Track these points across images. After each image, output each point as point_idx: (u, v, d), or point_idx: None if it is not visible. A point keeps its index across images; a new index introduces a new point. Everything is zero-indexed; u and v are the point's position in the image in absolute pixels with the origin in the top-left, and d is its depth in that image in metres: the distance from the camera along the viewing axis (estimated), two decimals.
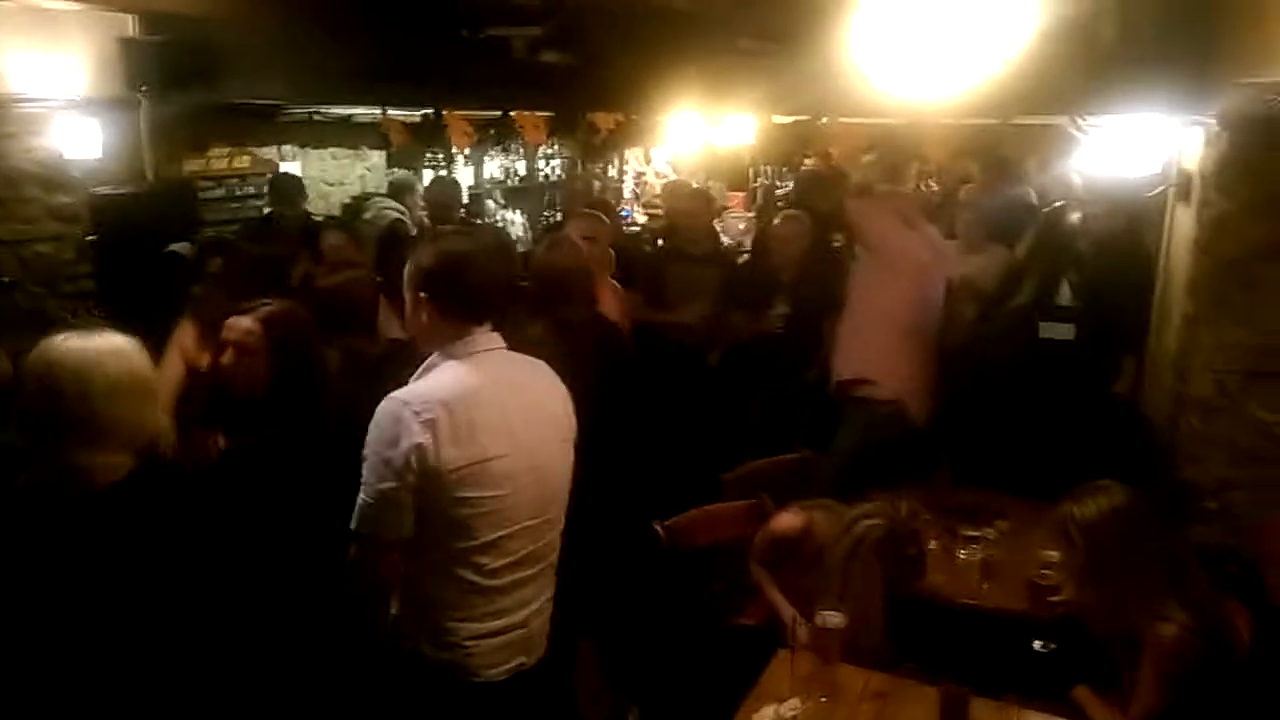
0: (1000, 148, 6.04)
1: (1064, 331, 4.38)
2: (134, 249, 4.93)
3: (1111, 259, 4.51)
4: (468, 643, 2.11)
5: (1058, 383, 4.13)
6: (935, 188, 6.94)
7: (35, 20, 4.61)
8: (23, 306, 4.78)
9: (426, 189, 6.37)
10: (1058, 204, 4.98)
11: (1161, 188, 4.49)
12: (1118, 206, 4.63)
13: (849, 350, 4.24)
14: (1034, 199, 5.47)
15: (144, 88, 4.99)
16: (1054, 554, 3.19)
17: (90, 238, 5.01)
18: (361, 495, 2.02)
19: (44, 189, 4.92)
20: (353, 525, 2.03)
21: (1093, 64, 3.81)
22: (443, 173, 8.08)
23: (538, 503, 2.18)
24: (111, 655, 1.79)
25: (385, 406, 2.03)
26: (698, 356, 4.89)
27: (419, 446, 1.98)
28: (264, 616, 2.03)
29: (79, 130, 4.89)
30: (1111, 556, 2.49)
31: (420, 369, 2.17)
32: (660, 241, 6.19)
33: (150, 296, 4.82)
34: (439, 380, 2.10)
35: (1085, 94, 3.99)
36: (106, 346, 1.87)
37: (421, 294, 2.15)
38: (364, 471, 2.03)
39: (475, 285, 2.14)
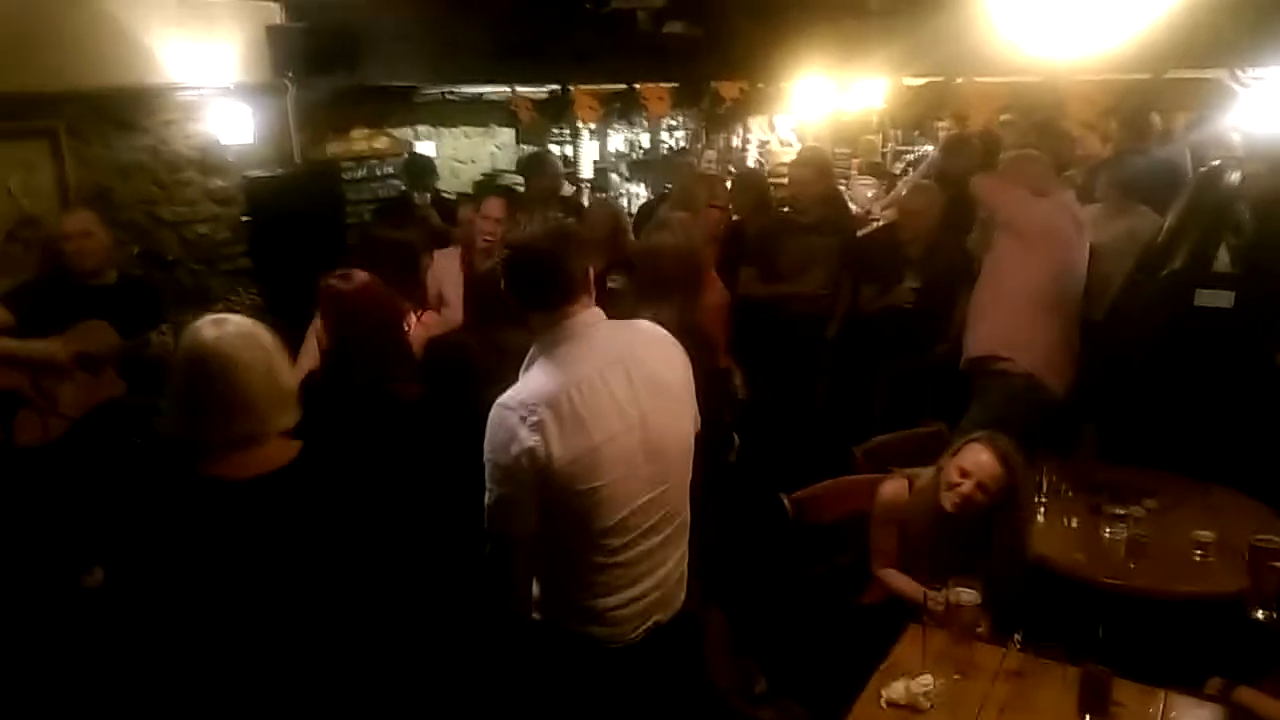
0: (1151, 104, 5.67)
1: (1223, 299, 4.12)
2: (284, 229, 5.17)
3: (1274, 221, 4.20)
4: (607, 615, 2.16)
5: (1215, 353, 3.89)
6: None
7: (189, 11, 4.91)
8: (185, 284, 5.13)
9: (521, 169, 6.30)
10: (1214, 163, 4.66)
11: None
12: None
13: (982, 326, 4.11)
14: (1185, 159, 5.14)
15: (290, 73, 5.23)
16: (1206, 534, 3.03)
17: (244, 218, 5.32)
18: (486, 497, 2.07)
19: (202, 172, 5.25)
20: (486, 525, 2.08)
21: (1257, 12, 3.55)
22: (558, 149, 8.15)
23: (656, 474, 2.17)
24: (278, 642, 1.86)
25: (494, 412, 2.04)
26: (816, 329, 4.78)
27: (530, 450, 1.99)
28: (413, 601, 2.09)
29: (232, 116, 5.17)
30: None
31: (525, 362, 2.16)
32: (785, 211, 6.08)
33: (302, 275, 5.09)
34: (539, 378, 2.08)
35: (1248, 45, 3.73)
36: (249, 332, 1.91)
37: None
38: (486, 475, 2.07)
39: (537, 276, 2.10)
